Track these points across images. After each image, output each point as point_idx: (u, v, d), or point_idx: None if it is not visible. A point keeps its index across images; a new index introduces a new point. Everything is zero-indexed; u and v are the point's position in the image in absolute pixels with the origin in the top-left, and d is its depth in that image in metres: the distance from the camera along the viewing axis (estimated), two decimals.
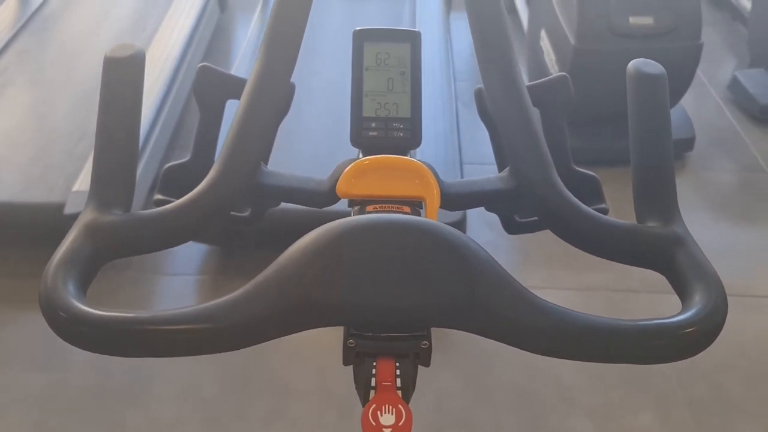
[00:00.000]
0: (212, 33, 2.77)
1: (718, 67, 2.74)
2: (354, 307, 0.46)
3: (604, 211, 0.64)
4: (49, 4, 2.69)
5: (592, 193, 0.68)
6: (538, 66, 2.42)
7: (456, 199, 0.63)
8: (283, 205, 0.69)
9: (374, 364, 0.50)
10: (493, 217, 0.73)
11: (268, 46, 0.63)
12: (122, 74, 0.56)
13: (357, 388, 0.52)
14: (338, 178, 0.60)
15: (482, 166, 2.12)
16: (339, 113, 1.98)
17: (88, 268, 0.50)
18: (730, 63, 2.80)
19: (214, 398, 1.61)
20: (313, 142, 1.99)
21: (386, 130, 0.64)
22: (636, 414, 1.59)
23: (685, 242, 0.53)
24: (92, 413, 1.58)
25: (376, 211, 0.58)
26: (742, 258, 1.98)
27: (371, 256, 0.46)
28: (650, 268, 0.55)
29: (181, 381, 1.64)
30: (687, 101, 2.32)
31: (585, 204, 0.59)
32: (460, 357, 1.70)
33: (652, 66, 0.59)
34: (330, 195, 0.62)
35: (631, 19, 2.04)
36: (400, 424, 0.48)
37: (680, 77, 2.15)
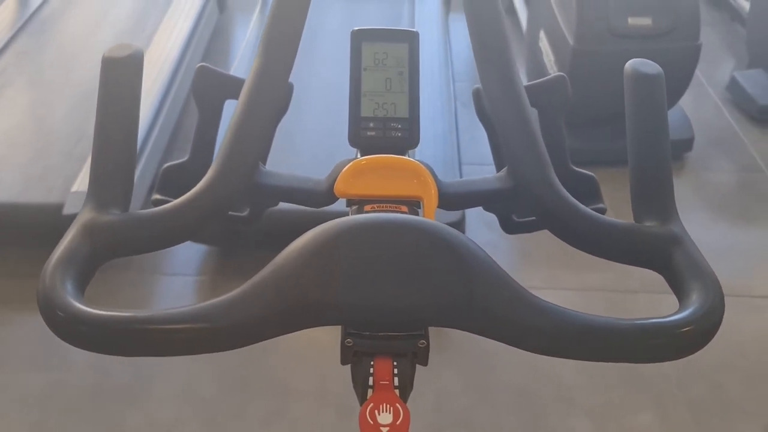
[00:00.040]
0: (211, 34, 2.77)
1: (716, 67, 2.75)
2: (351, 306, 0.46)
3: (602, 211, 0.64)
4: (48, 5, 2.69)
5: (590, 192, 0.69)
6: (536, 67, 2.43)
7: (454, 199, 0.63)
8: (282, 205, 0.69)
9: (372, 363, 0.50)
10: (492, 218, 0.73)
11: (267, 46, 0.63)
12: (120, 74, 0.56)
13: (355, 387, 0.52)
14: (336, 177, 0.60)
15: (481, 167, 2.12)
16: (338, 113, 1.98)
17: (86, 267, 0.51)
18: (729, 63, 2.80)
19: (214, 398, 1.61)
20: (312, 143, 2.00)
21: (384, 130, 0.64)
22: (636, 414, 1.59)
23: (683, 241, 0.54)
24: (91, 413, 1.58)
25: (374, 211, 0.58)
26: (741, 258, 1.98)
27: (368, 255, 0.46)
28: (647, 268, 0.55)
29: (180, 381, 1.64)
30: (686, 102, 2.33)
31: (583, 204, 0.59)
32: (460, 356, 1.70)
33: (649, 66, 0.59)
34: (328, 195, 0.62)
35: (630, 20, 2.04)
36: (398, 422, 0.48)
37: (679, 78, 2.15)
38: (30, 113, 2.21)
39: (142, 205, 1.76)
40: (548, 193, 0.59)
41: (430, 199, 0.59)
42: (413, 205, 0.59)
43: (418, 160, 0.61)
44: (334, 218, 0.49)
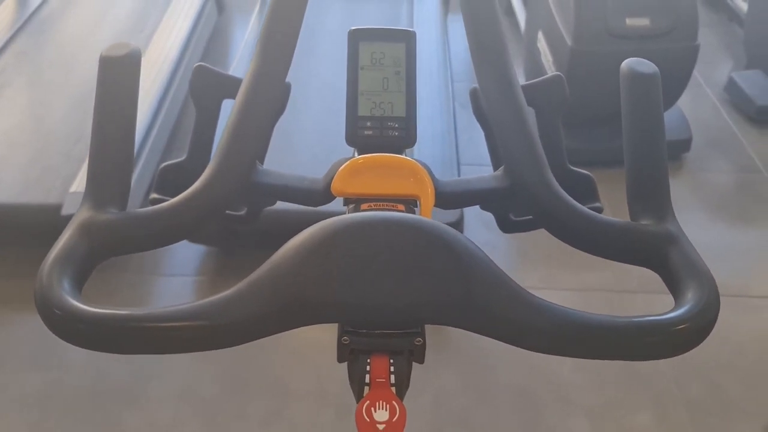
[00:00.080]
0: (210, 34, 2.77)
1: (714, 68, 2.75)
2: (348, 304, 0.46)
3: (599, 210, 0.64)
4: (47, 5, 2.69)
5: (587, 192, 0.69)
6: (535, 67, 2.43)
7: (451, 198, 0.63)
8: (279, 204, 0.69)
9: (368, 360, 0.50)
10: (491, 218, 0.73)
11: (264, 45, 0.63)
12: (118, 73, 0.56)
13: (351, 385, 0.52)
14: (333, 176, 0.60)
15: (479, 167, 2.12)
16: (337, 113, 1.99)
17: (84, 266, 0.51)
18: (727, 64, 2.81)
19: (213, 398, 1.61)
20: (310, 142, 2.00)
21: (381, 129, 0.64)
22: (634, 414, 1.59)
23: (678, 240, 0.54)
24: (91, 413, 1.58)
25: (371, 210, 0.58)
26: (739, 259, 1.98)
27: (365, 253, 0.47)
28: (643, 266, 0.56)
29: (179, 381, 1.64)
30: (684, 102, 2.33)
31: (580, 203, 0.59)
32: (459, 356, 1.70)
33: (645, 65, 0.59)
34: (325, 193, 0.62)
35: (628, 21, 2.05)
36: (394, 420, 0.48)
37: (677, 78, 2.15)
38: (29, 113, 2.21)
39: (141, 205, 1.76)
40: (544, 192, 0.59)
41: (427, 197, 0.59)
42: (410, 203, 0.60)
43: (415, 159, 0.61)
44: (332, 217, 0.49)
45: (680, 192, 2.20)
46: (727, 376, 1.66)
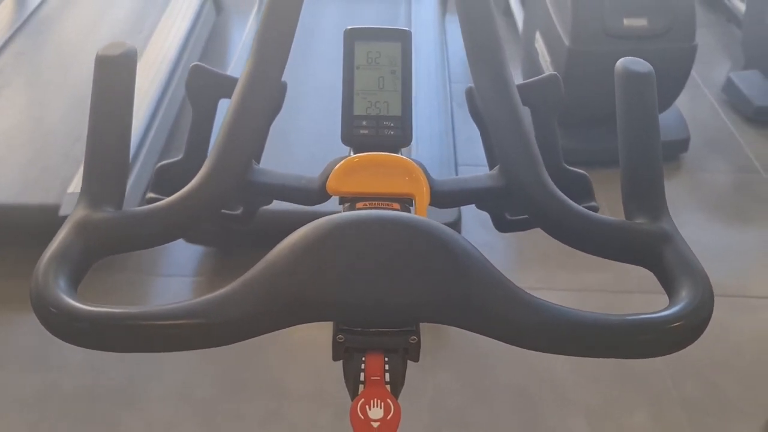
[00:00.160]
0: (208, 35, 2.77)
1: (712, 68, 2.75)
2: (343, 302, 0.46)
3: (595, 209, 0.64)
4: (45, 5, 2.69)
5: (582, 191, 0.69)
6: (533, 67, 2.43)
7: (446, 197, 0.64)
8: (277, 204, 0.69)
9: (363, 359, 0.50)
10: (489, 218, 0.73)
11: (260, 45, 0.63)
12: (114, 72, 0.56)
13: (346, 383, 0.52)
14: (329, 175, 0.60)
15: (478, 168, 2.12)
16: (335, 113, 1.99)
17: (80, 264, 0.51)
18: (725, 64, 2.81)
19: (212, 399, 1.61)
20: (307, 142, 2.00)
21: (377, 128, 0.64)
22: (632, 414, 1.59)
23: (673, 238, 0.54)
24: (90, 414, 1.58)
25: (366, 208, 0.58)
26: (737, 259, 1.99)
27: (360, 252, 0.47)
28: (638, 265, 0.56)
29: (178, 382, 1.64)
30: (682, 102, 2.33)
31: (576, 202, 0.59)
32: (457, 356, 1.70)
33: (640, 64, 0.59)
34: (321, 192, 0.62)
35: (626, 21, 2.05)
36: (389, 418, 0.48)
37: (675, 79, 2.15)
38: (28, 114, 2.21)
39: (139, 205, 1.76)
40: (539, 191, 0.59)
41: (422, 196, 0.59)
42: (405, 202, 0.60)
43: (410, 158, 0.61)
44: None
45: (678, 192, 2.20)
46: (725, 376, 1.66)
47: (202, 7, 2.71)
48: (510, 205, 0.70)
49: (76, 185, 1.84)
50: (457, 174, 1.95)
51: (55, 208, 1.77)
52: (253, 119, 0.61)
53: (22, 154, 2.01)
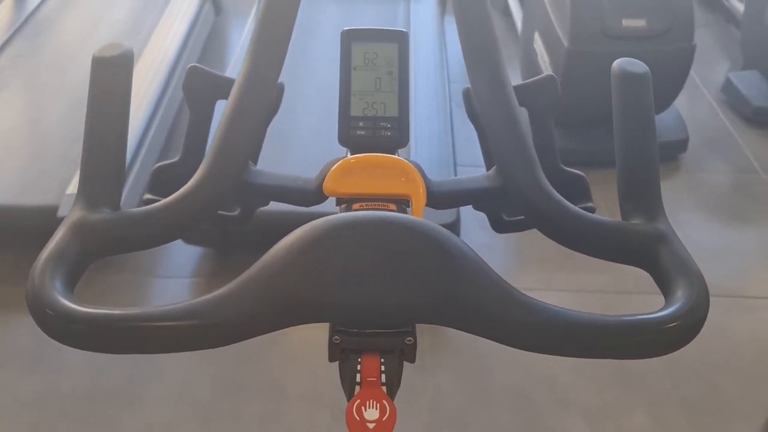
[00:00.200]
0: (207, 36, 2.77)
1: (711, 68, 2.76)
2: (339, 303, 0.46)
3: (592, 210, 0.64)
4: (44, 7, 2.69)
5: (579, 192, 0.69)
6: (531, 68, 2.43)
7: (443, 198, 0.64)
8: (273, 205, 0.69)
9: (359, 360, 0.50)
10: (487, 220, 0.73)
11: (257, 45, 0.63)
12: (111, 73, 0.56)
13: (342, 384, 0.52)
14: (325, 176, 0.60)
15: (477, 168, 2.12)
16: (331, 113, 1.99)
17: (76, 265, 0.51)
18: (724, 65, 2.81)
19: (210, 400, 1.61)
20: (304, 143, 2.00)
21: (374, 129, 0.64)
22: (631, 414, 1.59)
23: (669, 239, 0.54)
24: (88, 415, 1.57)
25: (363, 209, 0.58)
26: (735, 259, 1.99)
27: (356, 253, 0.47)
28: (634, 265, 0.56)
29: (176, 383, 1.64)
30: (680, 103, 2.33)
31: (573, 203, 0.59)
32: (456, 357, 1.70)
33: (636, 65, 0.59)
34: (317, 193, 0.62)
35: (624, 21, 2.05)
36: (384, 419, 0.48)
37: (673, 79, 2.15)
38: (25, 116, 2.21)
39: (138, 206, 1.76)
40: (536, 192, 0.59)
41: (419, 197, 0.59)
42: (401, 203, 0.60)
43: (407, 159, 0.62)
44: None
45: (677, 192, 2.20)
46: (724, 377, 1.66)
47: (201, 8, 2.71)
48: (507, 206, 0.70)
49: (74, 187, 1.84)
50: (455, 174, 1.95)
51: (54, 210, 1.76)
52: (249, 120, 0.61)
53: (20, 156, 2.01)
